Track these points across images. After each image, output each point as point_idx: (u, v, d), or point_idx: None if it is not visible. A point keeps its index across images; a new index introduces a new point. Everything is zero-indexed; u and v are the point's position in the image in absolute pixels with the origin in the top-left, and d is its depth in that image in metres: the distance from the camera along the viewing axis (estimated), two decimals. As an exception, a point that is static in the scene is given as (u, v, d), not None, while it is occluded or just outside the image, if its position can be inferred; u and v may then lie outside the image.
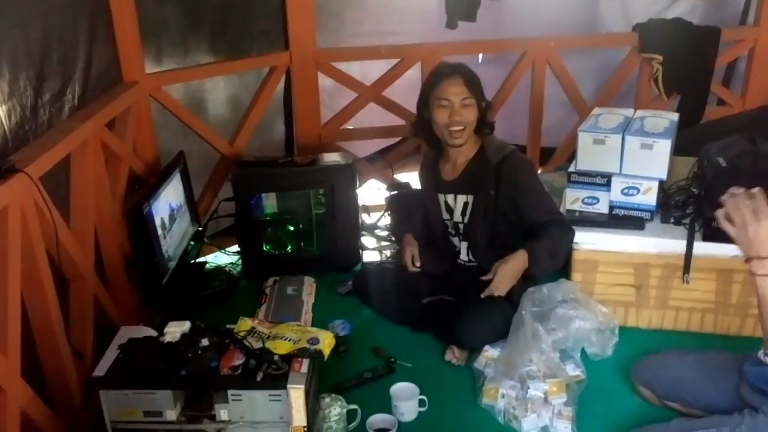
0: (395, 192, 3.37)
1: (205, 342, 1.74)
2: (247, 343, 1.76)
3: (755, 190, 1.57)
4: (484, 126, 2.43)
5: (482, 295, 2.28)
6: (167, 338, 1.78)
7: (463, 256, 2.59)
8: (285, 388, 1.68)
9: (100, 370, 1.87)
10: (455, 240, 2.57)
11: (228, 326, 1.88)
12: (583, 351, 2.36)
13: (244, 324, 1.86)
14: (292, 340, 1.78)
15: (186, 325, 1.82)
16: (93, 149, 2.21)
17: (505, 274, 2.27)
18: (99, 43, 2.47)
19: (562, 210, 2.59)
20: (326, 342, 1.79)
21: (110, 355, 1.91)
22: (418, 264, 2.51)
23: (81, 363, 1.99)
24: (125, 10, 2.58)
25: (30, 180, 1.74)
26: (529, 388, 2.11)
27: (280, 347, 1.75)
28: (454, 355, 2.38)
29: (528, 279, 2.35)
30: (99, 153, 2.28)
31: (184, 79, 3.05)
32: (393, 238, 3.38)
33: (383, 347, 2.46)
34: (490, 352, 2.30)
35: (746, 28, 3.53)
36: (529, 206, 2.36)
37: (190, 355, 1.71)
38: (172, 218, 2.65)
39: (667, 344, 2.35)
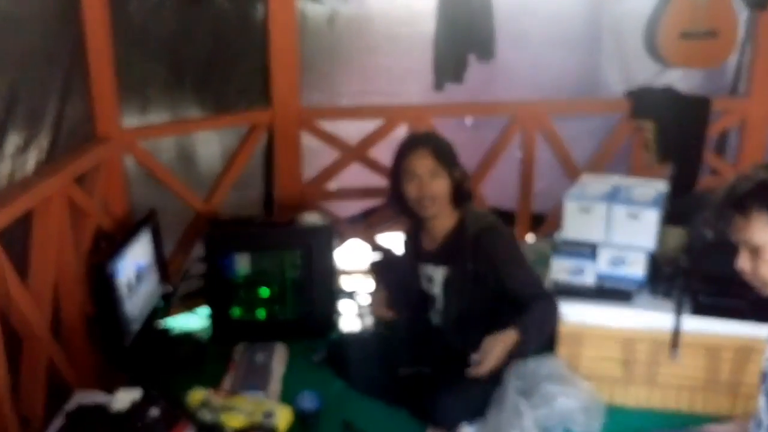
0: (380, 258, 3.27)
1: (155, 412, 1.63)
2: (199, 416, 1.64)
3: None
4: (460, 197, 2.33)
5: (466, 375, 2.14)
6: (116, 406, 1.67)
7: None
8: (234, 467, 1.55)
9: (47, 437, 1.75)
10: (432, 312, 2.47)
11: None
12: None
13: (198, 395, 1.74)
14: (246, 414, 1.66)
15: (137, 393, 1.71)
16: (58, 205, 2.15)
17: (492, 352, 2.12)
18: (74, 97, 2.43)
19: (547, 280, 2.49)
20: (282, 417, 1.67)
21: (59, 422, 1.81)
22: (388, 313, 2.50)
23: (28, 430, 1.86)
24: (103, 65, 2.54)
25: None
26: (505, 471, 1.97)
27: (233, 421, 1.65)
28: (434, 434, 2.24)
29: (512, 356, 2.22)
30: (64, 209, 2.21)
31: (161, 135, 2.99)
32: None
33: (355, 422, 2.30)
34: (467, 431, 2.16)
35: (737, 100, 3.48)
36: (510, 278, 2.26)
37: (139, 424, 1.60)
38: (139, 277, 2.54)
39: (656, 425, 2.23)
